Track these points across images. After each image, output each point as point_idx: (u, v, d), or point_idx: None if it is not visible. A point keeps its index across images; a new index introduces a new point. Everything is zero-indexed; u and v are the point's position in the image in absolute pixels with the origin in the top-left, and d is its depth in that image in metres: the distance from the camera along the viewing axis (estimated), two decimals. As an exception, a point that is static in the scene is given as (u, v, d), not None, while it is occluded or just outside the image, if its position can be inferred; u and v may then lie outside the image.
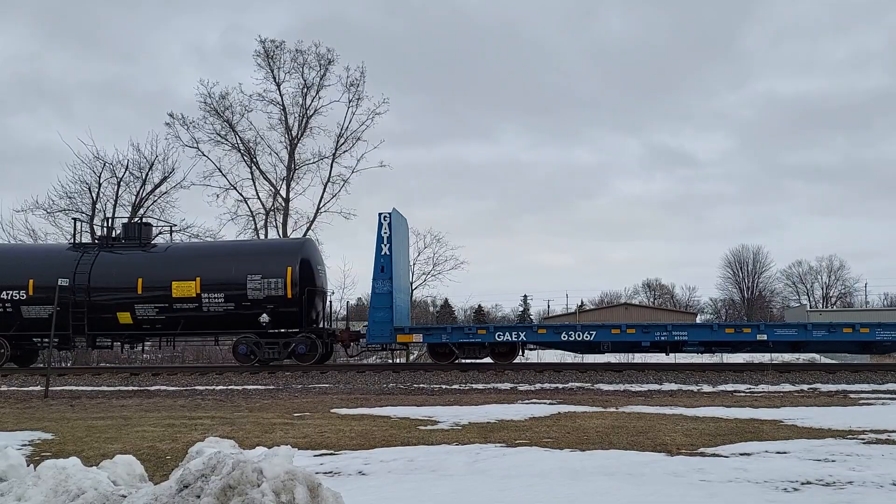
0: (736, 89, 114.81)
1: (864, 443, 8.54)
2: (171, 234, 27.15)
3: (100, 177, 35.36)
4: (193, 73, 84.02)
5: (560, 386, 17.66)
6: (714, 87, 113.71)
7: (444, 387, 17.91)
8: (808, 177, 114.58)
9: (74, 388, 18.76)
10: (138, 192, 36.20)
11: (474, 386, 17.99)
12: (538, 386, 17.73)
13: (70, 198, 35.16)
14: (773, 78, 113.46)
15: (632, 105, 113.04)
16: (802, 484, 6.23)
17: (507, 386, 17.85)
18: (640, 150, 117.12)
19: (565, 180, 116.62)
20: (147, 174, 36.06)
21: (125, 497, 4.82)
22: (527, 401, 14.26)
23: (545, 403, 13.62)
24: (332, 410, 12.87)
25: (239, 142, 36.34)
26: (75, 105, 72.96)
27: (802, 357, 29.08)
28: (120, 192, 35.86)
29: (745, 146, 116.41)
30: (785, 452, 7.89)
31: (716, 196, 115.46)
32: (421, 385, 18.28)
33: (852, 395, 15.06)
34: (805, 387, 17.13)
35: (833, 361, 27.08)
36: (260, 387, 18.44)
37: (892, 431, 9.36)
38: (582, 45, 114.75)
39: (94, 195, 35.36)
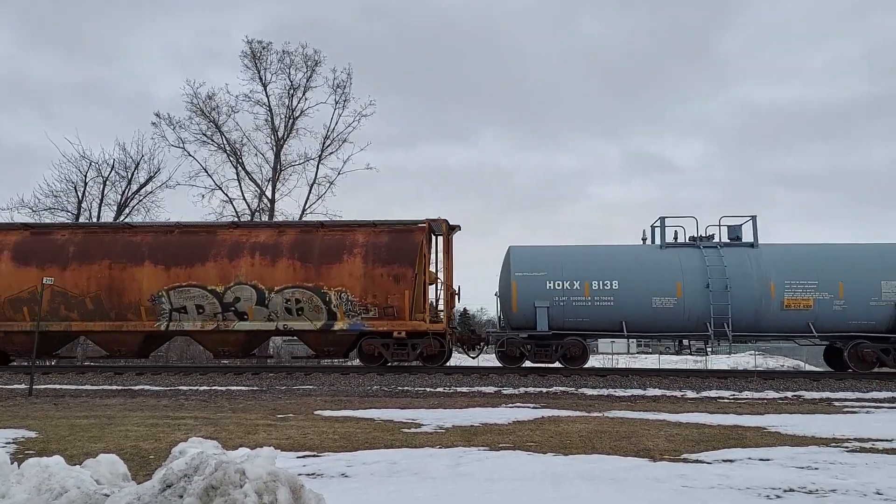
0: (714, 96, 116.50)
1: (847, 451, 8.58)
2: None
3: (86, 176, 35.35)
4: (170, 74, 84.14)
5: (544, 390, 17.67)
6: (692, 94, 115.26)
7: (428, 390, 17.90)
8: (789, 183, 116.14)
9: (58, 386, 18.63)
10: (124, 192, 36.27)
11: (458, 389, 17.98)
12: (522, 390, 17.73)
13: (56, 196, 35.16)
14: (751, 85, 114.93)
15: (611, 110, 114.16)
16: (785, 491, 6.25)
17: (492, 389, 17.84)
18: (620, 155, 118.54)
19: (546, 184, 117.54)
20: (133, 174, 36.06)
21: (108, 496, 4.79)
22: (511, 404, 14.27)
23: (529, 407, 13.63)
24: (316, 412, 12.84)
25: (225, 142, 36.30)
26: (55, 106, 72.80)
27: (787, 364, 29.26)
28: (105, 192, 35.85)
29: (724, 152, 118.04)
30: (768, 459, 7.91)
31: (696, 201, 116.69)
32: (405, 388, 18.26)
33: (836, 403, 15.14)
34: (789, 394, 17.21)
35: (818, 369, 27.22)
36: (243, 388, 18.38)
37: (876, 440, 9.41)
38: (562, 50, 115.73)
39: (79, 194, 35.33)
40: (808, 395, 17.04)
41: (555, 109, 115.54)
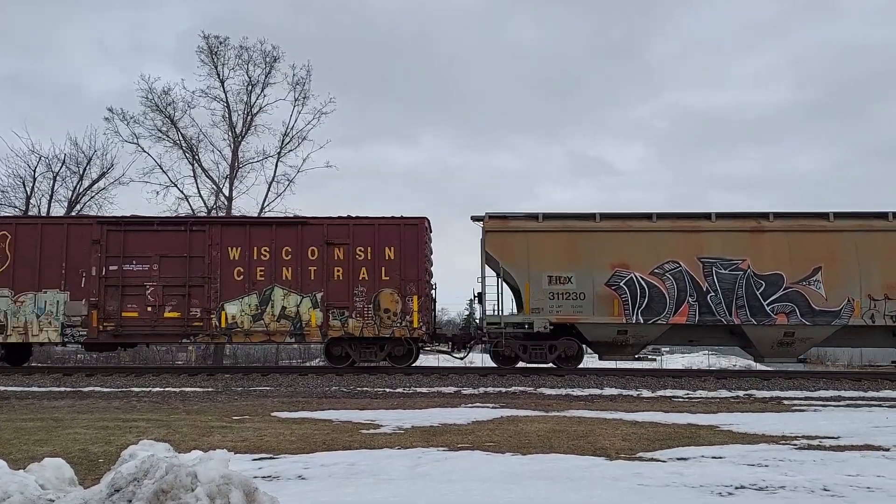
0: (648, 100, 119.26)
1: (796, 448, 8.75)
2: None
3: (34, 171, 34.59)
4: (100, 68, 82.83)
5: (503, 390, 17.72)
6: (627, 98, 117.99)
7: (387, 390, 17.83)
8: (727, 186, 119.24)
9: (4, 388, 18.15)
10: (75, 188, 35.44)
11: (418, 389, 17.94)
12: (482, 390, 17.76)
13: (3, 192, 34.33)
14: (682, 90, 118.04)
15: (551, 113, 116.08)
16: (736, 489, 6.35)
17: (451, 390, 17.84)
18: (564, 157, 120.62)
19: (492, 185, 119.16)
20: (85, 169, 35.35)
21: (53, 501, 4.69)
22: (470, 405, 14.28)
23: (488, 407, 13.65)
24: (273, 414, 12.71)
25: (181, 138, 35.66)
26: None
27: (739, 363, 29.77)
28: (56, 188, 35.10)
29: (662, 155, 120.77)
30: (721, 458, 8.03)
31: (641, 203, 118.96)
32: (364, 388, 18.17)
33: (786, 402, 15.42)
34: (741, 393, 17.49)
35: (769, 369, 27.73)
36: (198, 389, 18.11)
37: (824, 437, 9.61)
38: (496, 52, 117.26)
39: (28, 190, 34.55)
40: (758, 394, 17.34)
41: (496, 111, 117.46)
